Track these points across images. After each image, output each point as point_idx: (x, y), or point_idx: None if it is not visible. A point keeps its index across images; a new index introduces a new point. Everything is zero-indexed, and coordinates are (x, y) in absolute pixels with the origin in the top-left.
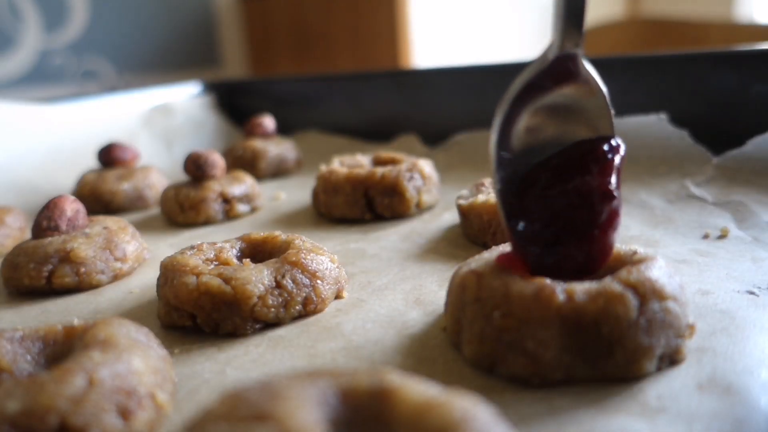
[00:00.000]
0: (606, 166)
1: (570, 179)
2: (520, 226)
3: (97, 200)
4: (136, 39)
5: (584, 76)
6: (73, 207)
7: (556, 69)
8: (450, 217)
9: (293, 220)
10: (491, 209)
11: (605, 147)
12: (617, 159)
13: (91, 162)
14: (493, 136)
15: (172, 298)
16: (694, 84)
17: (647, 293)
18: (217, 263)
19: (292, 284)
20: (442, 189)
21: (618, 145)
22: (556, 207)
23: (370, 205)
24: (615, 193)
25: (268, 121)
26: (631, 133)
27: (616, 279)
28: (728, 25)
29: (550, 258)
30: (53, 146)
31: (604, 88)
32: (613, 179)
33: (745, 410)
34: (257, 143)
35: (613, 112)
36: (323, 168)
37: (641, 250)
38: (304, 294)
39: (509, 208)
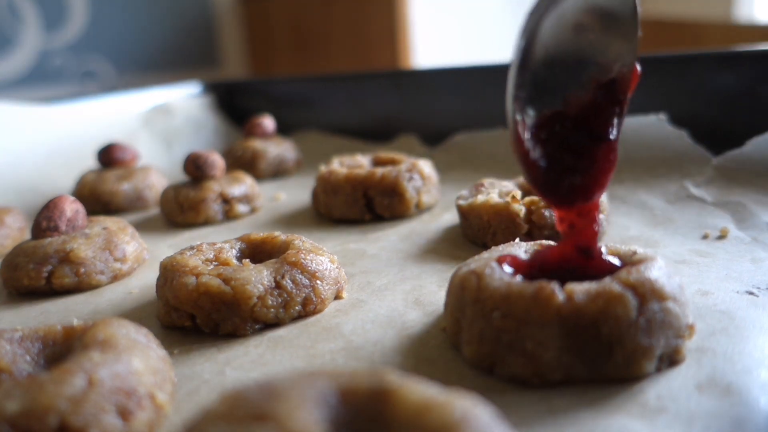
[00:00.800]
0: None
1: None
2: (533, 144)
3: (96, 201)
4: (136, 39)
5: None
6: (72, 207)
7: None
8: (450, 218)
9: (293, 220)
10: (491, 209)
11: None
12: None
13: (90, 162)
14: (528, 24)
15: (172, 298)
16: (694, 84)
17: (647, 293)
18: (216, 264)
19: (291, 285)
20: (442, 189)
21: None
22: (568, 137)
23: (370, 205)
24: (611, 135)
25: (268, 122)
26: (631, 133)
27: (615, 279)
28: (728, 25)
29: (553, 174)
30: (53, 146)
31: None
32: (615, 121)
33: (745, 410)
34: (257, 143)
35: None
36: (323, 168)
37: (641, 250)
38: (304, 294)
39: (527, 119)
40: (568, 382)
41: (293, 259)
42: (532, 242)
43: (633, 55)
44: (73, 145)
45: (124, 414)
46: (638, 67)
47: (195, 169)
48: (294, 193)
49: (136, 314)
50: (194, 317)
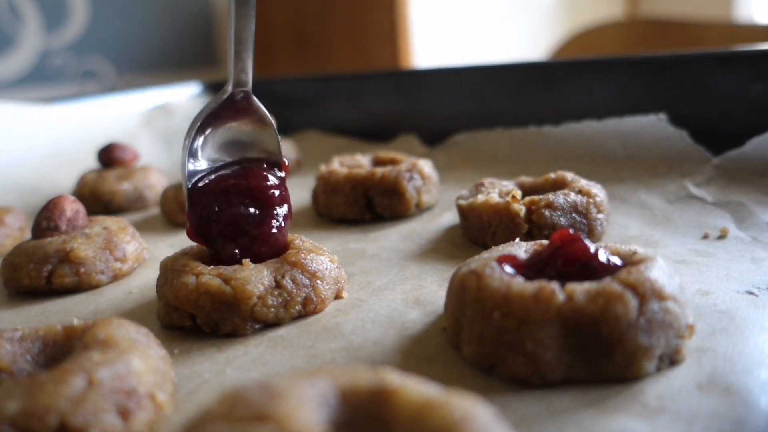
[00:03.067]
0: (263, 177)
1: (237, 187)
2: (200, 215)
3: (97, 200)
4: (136, 39)
5: (255, 109)
6: (72, 207)
7: (233, 103)
8: (450, 217)
9: (293, 220)
10: (491, 209)
11: (266, 164)
12: (276, 174)
13: (91, 162)
14: (184, 153)
15: (172, 298)
16: (693, 84)
17: (647, 293)
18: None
19: (291, 284)
20: (442, 189)
21: (280, 164)
22: (226, 205)
23: (370, 205)
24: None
25: None
26: (631, 133)
27: (615, 279)
28: (728, 25)
29: (220, 244)
30: (53, 146)
31: (273, 121)
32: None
33: (745, 410)
34: None
35: (279, 139)
36: (323, 168)
37: (641, 250)
38: (304, 294)
39: (191, 201)
40: (568, 382)
41: (293, 258)
42: (532, 242)
43: (280, 155)
44: (73, 145)
45: (124, 414)
46: (286, 162)
47: None
48: (294, 193)
49: (136, 314)
50: (194, 317)
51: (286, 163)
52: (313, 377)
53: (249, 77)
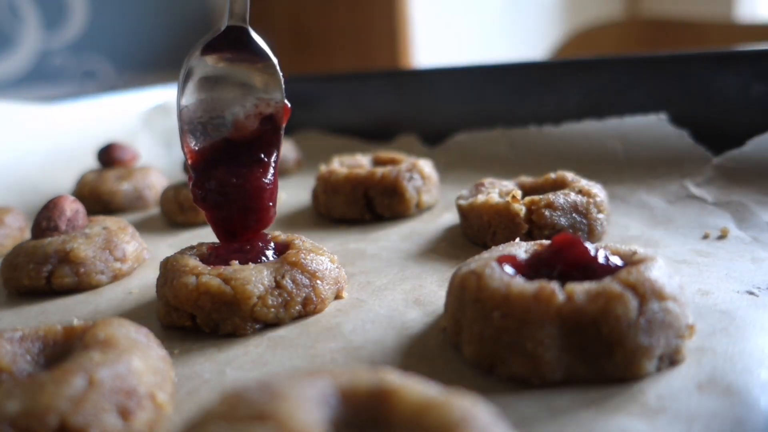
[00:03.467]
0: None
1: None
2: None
3: (96, 200)
4: (136, 39)
5: (254, 47)
6: (72, 207)
7: (231, 37)
8: (450, 217)
9: (293, 220)
10: (491, 209)
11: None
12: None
13: (90, 162)
14: (179, 86)
15: (172, 298)
16: (694, 84)
17: (647, 293)
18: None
19: (291, 284)
20: (442, 189)
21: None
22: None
23: (370, 205)
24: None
25: None
26: (631, 133)
27: (615, 279)
28: (728, 25)
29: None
30: (53, 146)
31: (274, 59)
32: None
33: (745, 410)
34: None
35: (283, 78)
36: (323, 168)
37: (641, 250)
38: (304, 294)
39: (195, 155)
40: (568, 382)
41: (293, 259)
42: (532, 242)
43: (281, 95)
44: (73, 145)
45: (125, 414)
46: (288, 104)
47: None
48: (294, 193)
49: (136, 314)
50: (194, 317)
51: (288, 106)
52: (313, 377)
53: (246, 11)
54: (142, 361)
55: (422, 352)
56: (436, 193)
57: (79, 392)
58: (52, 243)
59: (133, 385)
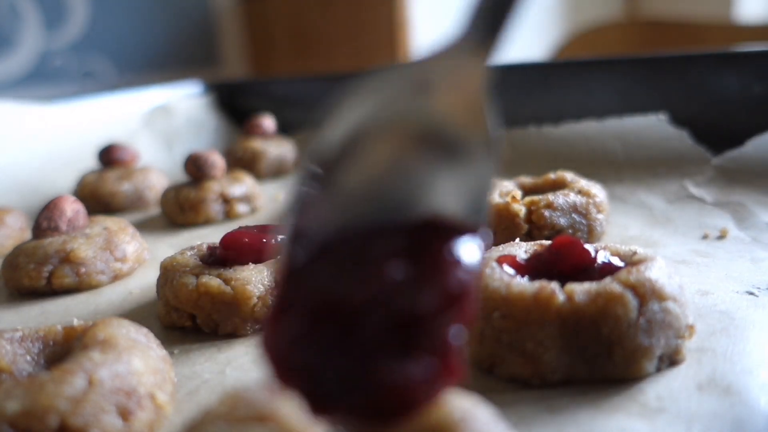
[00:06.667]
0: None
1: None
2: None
3: (97, 201)
4: (137, 39)
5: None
6: (73, 207)
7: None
8: None
9: None
10: (491, 209)
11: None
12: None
13: (91, 162)
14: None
15: (172, 298)
16: (694, 84)
17: (647, 294)
18: None
19: None
20: None
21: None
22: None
23: None
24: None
25: (268, 122)
26: (631, 133)
27: (615, 279)
28: (728, 25)
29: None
30: (53, 146)
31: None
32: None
33: (745, 410)
34: (257, 144)
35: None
36: None
37: (641, 250)
38: None
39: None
40: (568, 382)
41: None
42: (532, 242)
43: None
44: (73, 145)
45: (125, 414)
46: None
47: (195, 169)
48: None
49: (137, 314)
50: (194, 317)
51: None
52: None
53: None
54: (142, 361)
55: None
56: None
57: (79, 392)
58: (53, 243)
59: (133, 385)
